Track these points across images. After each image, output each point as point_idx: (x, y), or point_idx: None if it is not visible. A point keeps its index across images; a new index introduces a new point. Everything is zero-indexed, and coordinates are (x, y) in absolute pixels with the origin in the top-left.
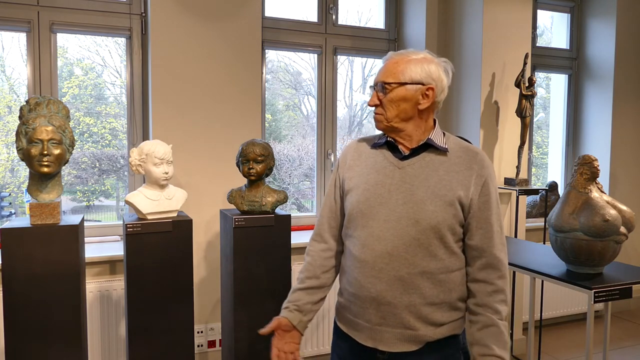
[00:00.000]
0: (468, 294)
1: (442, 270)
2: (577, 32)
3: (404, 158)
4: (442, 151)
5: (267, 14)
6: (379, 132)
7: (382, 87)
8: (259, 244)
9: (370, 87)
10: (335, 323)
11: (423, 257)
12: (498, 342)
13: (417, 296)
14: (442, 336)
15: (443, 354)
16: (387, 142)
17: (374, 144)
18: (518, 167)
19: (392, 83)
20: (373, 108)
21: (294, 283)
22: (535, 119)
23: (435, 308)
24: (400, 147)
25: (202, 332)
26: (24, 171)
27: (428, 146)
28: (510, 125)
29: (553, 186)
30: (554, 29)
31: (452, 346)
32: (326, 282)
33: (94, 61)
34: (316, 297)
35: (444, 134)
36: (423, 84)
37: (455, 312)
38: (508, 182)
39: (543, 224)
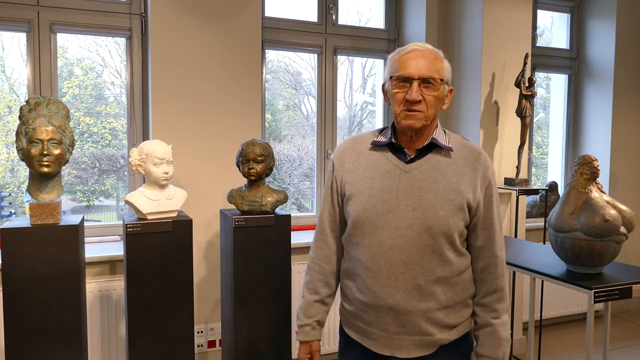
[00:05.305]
0: None
1: (454, 274)
2: (577, 32)
3: (410, 161)
4: (447, 151)
5: (267, 14)
6: (370, 131)
7: (427, 82)
8: (259, 244)
9: (401, 79)
10: (341, 328)
11: (437, 263)
12: (491, 342)
13: (434, 302)
14: (456, 337)
15: (456, 354)
16: (390, 143)
17: (374, 143)
18: (518, 167)
19: (440, 80)
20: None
21: (305, 293)
22: (535, 119)
23: (450, 311)
24: (405, 148)
25: (202, 332)
26: (24, 171)
27: (433, 146)
28: (510, 125)
29: (553, 186)
30: (554, 29)
31: (464, 344)
32: (336, 287)
33: (94, 61)
34: (329, 306)
35: (444, 132)
36: (449, 84)
37: (468, 310)
38: (508, 182)
39: (543, 224)
